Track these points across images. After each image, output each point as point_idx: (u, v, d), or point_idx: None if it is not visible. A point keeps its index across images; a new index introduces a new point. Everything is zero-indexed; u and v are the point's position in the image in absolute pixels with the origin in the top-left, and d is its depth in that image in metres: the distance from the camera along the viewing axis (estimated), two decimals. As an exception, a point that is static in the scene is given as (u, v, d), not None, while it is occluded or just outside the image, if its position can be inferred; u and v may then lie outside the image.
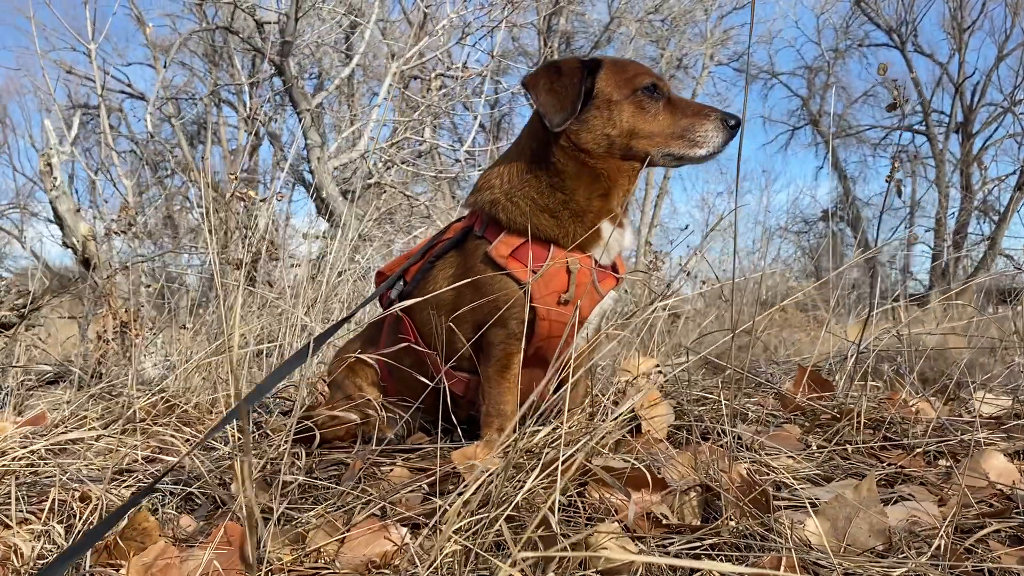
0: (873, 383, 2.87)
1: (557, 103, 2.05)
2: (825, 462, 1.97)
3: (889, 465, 1.96)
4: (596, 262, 2.11)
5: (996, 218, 19.79)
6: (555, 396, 1.92)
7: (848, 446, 2.07)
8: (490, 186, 2.18)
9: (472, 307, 2.06)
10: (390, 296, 2.33)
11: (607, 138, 2.06)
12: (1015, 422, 2.30)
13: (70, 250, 5.87)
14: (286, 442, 1.89)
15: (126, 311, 4.13)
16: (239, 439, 2.03)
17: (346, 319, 2.07)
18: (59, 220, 5.81)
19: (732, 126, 2.05)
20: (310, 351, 1.83)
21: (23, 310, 3.96)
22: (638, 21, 18.18)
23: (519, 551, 1.05)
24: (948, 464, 1.98)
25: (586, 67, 2.09)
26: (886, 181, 3.03)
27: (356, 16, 8.98)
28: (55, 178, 5.76)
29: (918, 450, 2.05)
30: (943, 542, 1.43)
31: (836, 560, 1.40)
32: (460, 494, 1.43)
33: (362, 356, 2.25)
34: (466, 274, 2.11)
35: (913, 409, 2.42)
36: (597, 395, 2.18)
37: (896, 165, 2.78)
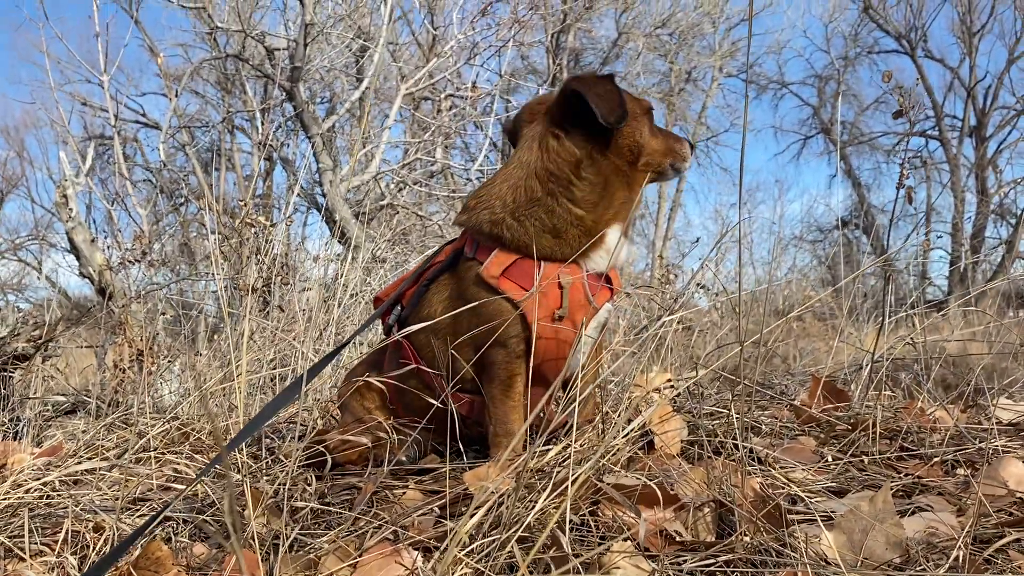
0: (890, 392, 2.84)
1: (607, 105, 2.09)
2: (841, 474, 1.95)
3: (906, 475, 1.93)
4: (587, 273, 2.11)
5: (1013, 221, 19.64)
6: (564, 414, 1.91)
7: (864, 457, 2.05)
8: (489, 206, 2.13)
9: (469, 330, 2.05)
10: (388, 321, 2.33)
11: (637, 146, 2.15)
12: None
13: (87, 280, 5.93)
14: (297, 467, 1.89)
15: (142, 339, 4.15)
16: (251, 466, 2.03)
17: (338, 350, 2.08)
18: (75, 251, 5.87)
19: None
20: (303, 383, 1.84)
21: (39, 341, 3.99)
22: (646, 36, 18.24)
23: (526, 571, 1.04)
24: (966, 473, 1.95)
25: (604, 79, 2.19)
26: (897, 188, 3.02)
27: (365, 40, 9.06)
28: (71, 209, 5.83)
29: (935, 459, 2.02)
30: (961, 553, 1.41)
31: (852, 574, 1.38)
32: (472, 516, 1.42)
33: (369, 380, 2.25)
34: (460, 296, 2.11)
35: (930, 418, 2.39)
36: (608, 412, 2.17)
37: (905, 172, 2.76)
